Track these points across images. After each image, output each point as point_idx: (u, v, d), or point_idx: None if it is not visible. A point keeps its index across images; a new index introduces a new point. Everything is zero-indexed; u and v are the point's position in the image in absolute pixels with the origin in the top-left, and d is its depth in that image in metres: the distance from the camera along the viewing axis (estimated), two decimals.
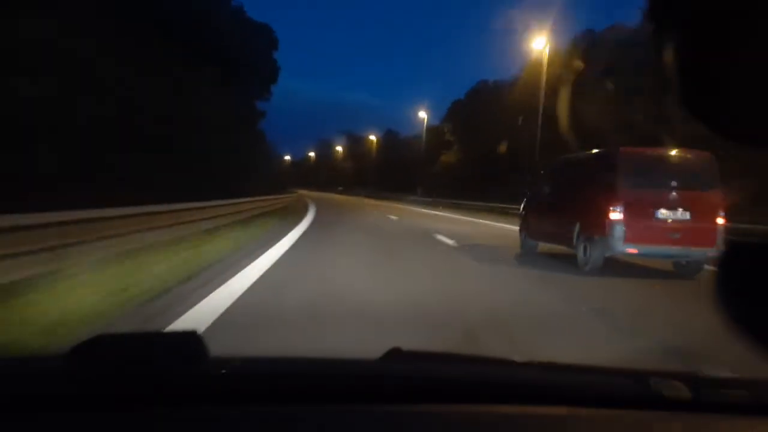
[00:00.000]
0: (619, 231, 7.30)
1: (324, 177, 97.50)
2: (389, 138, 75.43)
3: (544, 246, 9.75)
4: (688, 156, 7.76)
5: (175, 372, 0.92)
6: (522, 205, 10.85)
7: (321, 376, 1.02)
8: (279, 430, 0.87)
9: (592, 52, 27.16)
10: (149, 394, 0.88)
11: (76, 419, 0.84)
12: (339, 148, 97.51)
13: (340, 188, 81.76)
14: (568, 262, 8.35)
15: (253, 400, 0.91)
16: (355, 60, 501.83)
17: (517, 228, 10.82)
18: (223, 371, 1.00)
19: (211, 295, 5.01)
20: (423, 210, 29.99)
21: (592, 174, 8.31)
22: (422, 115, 52.13)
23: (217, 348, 0.97)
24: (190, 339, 0.95)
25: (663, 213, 7.40)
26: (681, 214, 7.40)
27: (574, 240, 8.15)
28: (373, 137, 78.82)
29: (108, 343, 0.95)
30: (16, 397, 0.87)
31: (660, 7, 0.67)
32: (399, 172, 58.58)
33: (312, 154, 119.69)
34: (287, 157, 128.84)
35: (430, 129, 52.34)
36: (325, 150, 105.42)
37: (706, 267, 7.68)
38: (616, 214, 7.35)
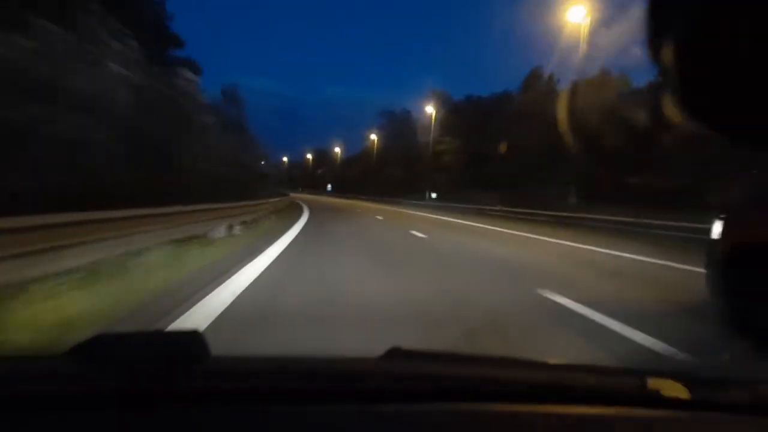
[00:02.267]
0: None
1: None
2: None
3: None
4: None
5: (175, 371, 0.92)
6: (720, 229, 3.91)
7: (321, 376, 1.02)
8: (279, 429, 0.86)
9: None
10: (149, 393, 0.89)
11: (76, 419, 0.84)
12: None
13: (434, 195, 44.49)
14: None
15: (253, 400, 0.91)
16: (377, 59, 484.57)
17: None
18: (224, 371, 1.00)
19: None
20: None
21: None
22: None
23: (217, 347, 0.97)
24: (191, 338, 0.96)
25: None
26: None
27: None
28: None
29: (108, 343, 0.95)
30: (16, 397, 0.87)
31: (660, 7, 0.66)
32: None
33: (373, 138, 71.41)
34: (337, 149, 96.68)
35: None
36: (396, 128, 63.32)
37: None
38: None
